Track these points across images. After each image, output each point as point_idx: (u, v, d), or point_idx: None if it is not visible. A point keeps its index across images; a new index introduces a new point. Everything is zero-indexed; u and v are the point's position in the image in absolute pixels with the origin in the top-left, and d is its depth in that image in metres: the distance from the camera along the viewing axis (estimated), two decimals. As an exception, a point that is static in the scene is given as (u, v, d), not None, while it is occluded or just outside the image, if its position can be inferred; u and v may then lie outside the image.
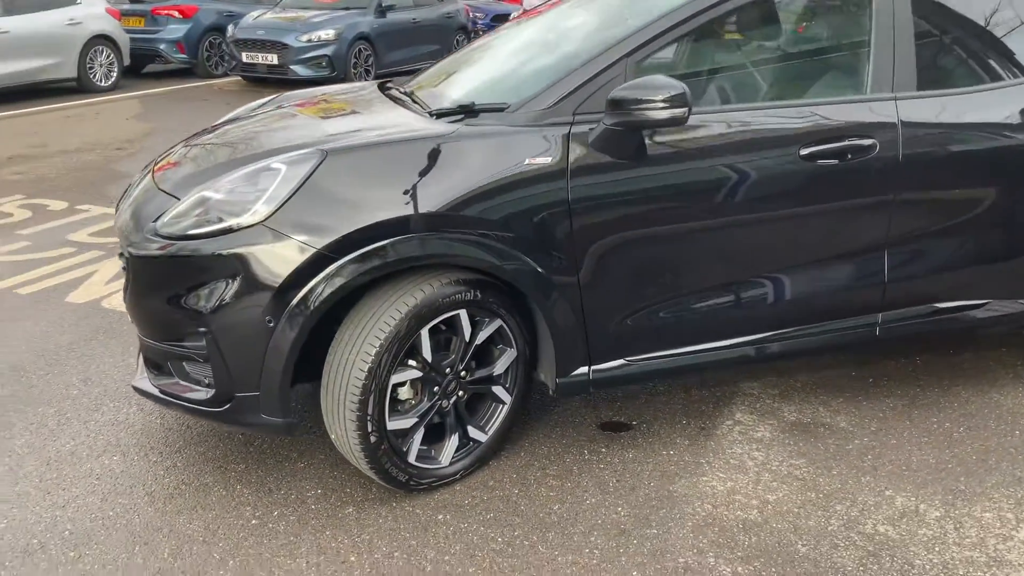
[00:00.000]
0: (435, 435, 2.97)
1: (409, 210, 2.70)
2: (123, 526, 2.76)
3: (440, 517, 2.81)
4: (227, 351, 2.72)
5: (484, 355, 3.02)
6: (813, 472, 3.04)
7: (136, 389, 3.03)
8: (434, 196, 2.73)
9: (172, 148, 3.51)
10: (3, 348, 4.08)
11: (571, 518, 2.79)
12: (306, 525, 2.77)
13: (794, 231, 3.13)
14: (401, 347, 2.70)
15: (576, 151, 2.83)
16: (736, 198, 3.01)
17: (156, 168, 3.23)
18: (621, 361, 3.08)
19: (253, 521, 2.79)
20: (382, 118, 3.27)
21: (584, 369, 3.03)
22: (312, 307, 2.63)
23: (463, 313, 2.83)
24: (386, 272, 2.70)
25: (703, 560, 2.59)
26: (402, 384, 2.84)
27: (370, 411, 2.69)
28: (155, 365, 2.97)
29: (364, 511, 2.83)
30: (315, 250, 2.62)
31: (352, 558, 2.61)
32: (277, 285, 2.63)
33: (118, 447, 3.22)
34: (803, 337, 3.25)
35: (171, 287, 2.77)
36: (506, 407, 3.07)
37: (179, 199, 2.84)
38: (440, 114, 3.07)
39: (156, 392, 2.94)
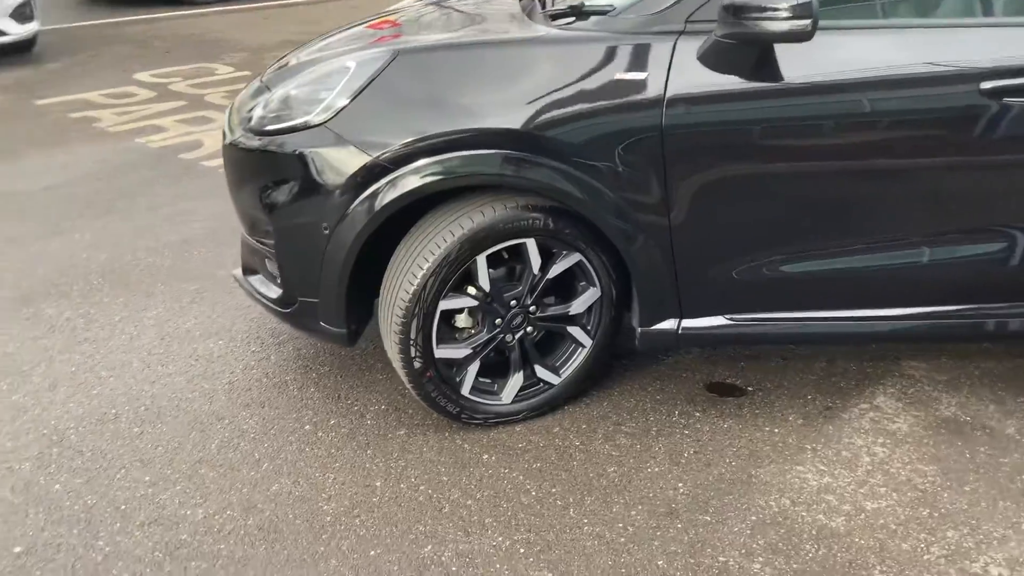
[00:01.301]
0: (504, 370, 2.75)
1: (474, 122, 2.44)
2: (192, 411, 2.85)
3: (485, 457, 2.62)
4: (288, 253, 2.67)
5: (566, 291, 2.73)
6: (939, 484, 2.47)
7: (234, 277, 3.10)
8: (506, 109, 2.44)
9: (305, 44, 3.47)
10: (192, 221, 4.38)
11: (620, 485, 2.48)
12: (353, 440, 2.70)
13: (962, 185, 2.48)
14: (452, 272, 2.49)
15: (679, 68, 2.40)
16: (883, 140, 2.43)
17: (274, 64, 3.21)
18: (721, 319, 2.65)
19: (307, 427, 2.77)
20: (485, 20, 2.99)
21: (672, 322, 2.65)
22: (366, 219, 2.49)
23: (531, 243, 2.55)
24: (444, 189, 2.48)
25: (746, 565, 2.20)
26: (459, 312, 2.64)
27: (412, 336, 2.52)
28: (247, 258, 3.00)
29: (413, 437, 2.71)
30: (371, 158, 2.46)
31: (378, 483, 2.51)
32: (333, 191, 2.51)
33: (229, 332, 3.34)
34: (964, 319, 2.62)
35: (252, 181, 2.75)
36: (585, 351, 2.77)
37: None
38: (555, 15, 2.74)
39: (245, 284, 2.98)
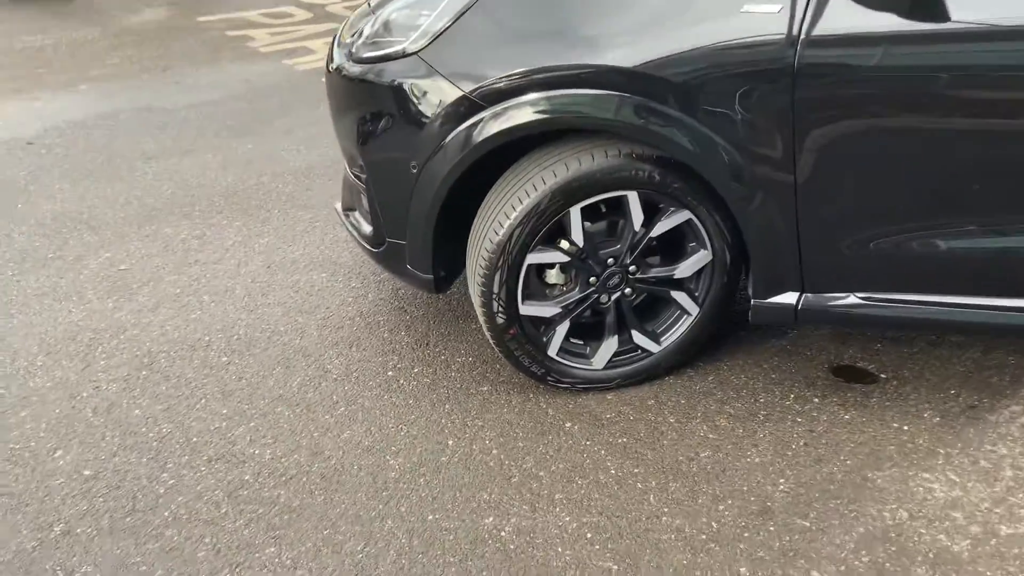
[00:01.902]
0: (598, 333, 2.52)
1: (575, 58, 2.18)
2: (281, 344, 2.80)
3: (568, 425, 2.42)
4: (378, 189, 2.53)
5: (673, 252, 2.46)
6: (1099, 517, 2.07)
7: (336, 211, 2.99)
8: (609, 45, 2.16)
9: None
10: (320, 147, 4.35)
11: (712, 473, 2.23)
12: (433, 392, 2.56)
13: None
14: (542, 223, 2.27)
15: (819, 1, 2.03)
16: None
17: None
18: (852, 298, 2.31)
19: (390, 372, 2.66)
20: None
21: (792, 296, 2.33)
22: (454, 161, 2.30)
23: (632, 196, 2.28)
24: (539, 131, 2.25)
25: (842, 585, 1.92)
26: (550, 267, 2.42)
27: (496, 289, 2.33)
28: (347, 193, 2.89)
29: (497, 394, 2.54)
30: (462, 94, 2.25)
31: (450, 442, 2.36)
32: (422, 128, 2.33)
33: (333, 265, 3.26)
34: None
35: (350, 111, 2.60)
36: (691, 320, 2.50)
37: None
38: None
39: (343, 219, 2.88)
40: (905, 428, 2.36)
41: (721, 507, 2.13)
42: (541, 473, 2.25)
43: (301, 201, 3.80)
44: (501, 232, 2.28)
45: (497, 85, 2.22)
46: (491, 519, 2.11)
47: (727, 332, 2.75)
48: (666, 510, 2.12)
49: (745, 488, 2.18)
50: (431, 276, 2.52)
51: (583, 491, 2.19)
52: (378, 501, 2.17)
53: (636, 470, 2.25)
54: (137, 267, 3.28)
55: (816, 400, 2.48)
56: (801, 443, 2.32)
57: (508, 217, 2.27)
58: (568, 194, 2.24)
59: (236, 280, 3.17)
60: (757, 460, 2.27)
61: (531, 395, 2.54)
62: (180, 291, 3.11)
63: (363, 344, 2.79)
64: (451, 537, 2.06)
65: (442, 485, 2.21)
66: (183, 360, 2.73)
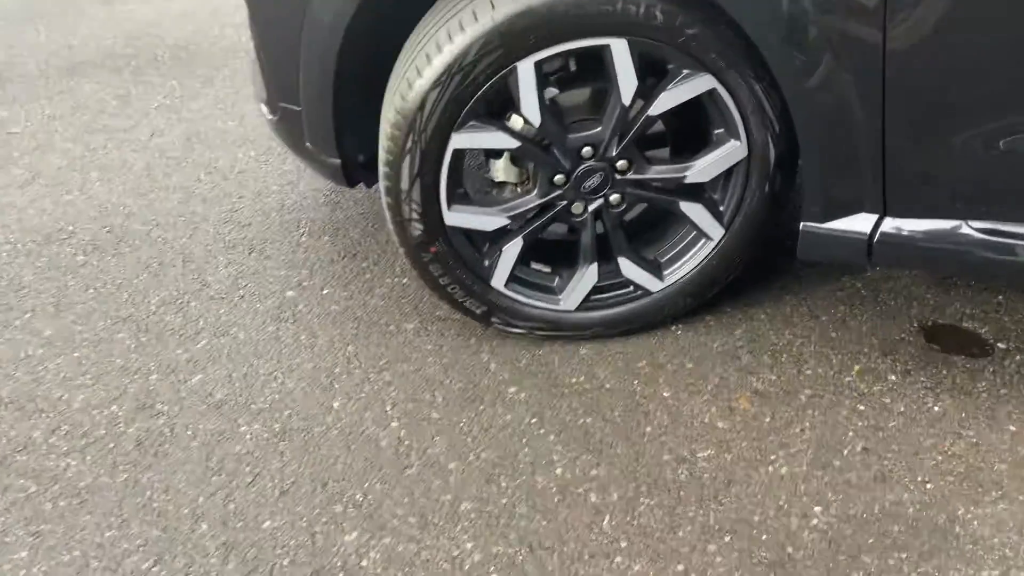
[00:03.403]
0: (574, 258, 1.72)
1: None
2: (161, 243, 2.09)
3: (511, 392, 1.65)
4: (256, 25, 1.74)
5: (690, 140, 1.61)
6: None
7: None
8: None
9: None
10: None
11: (711, 495, 1.44)
12: (338, 325, 1.83)
13: None
14: (471, 86, 1.45)
15: None
16: None
17: None
18: (966, 229, 1.44)
19: (289, 292, 1.92)
20: None
21: (867, 221, 1.48)
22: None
23: (620, 47, 1.44)
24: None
25: None
26: (495, 156, 1.61)
27: (404, 185, 1.54)
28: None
29: (425, 335, 1.79)
30: None
31: (336, 404, 1.63)
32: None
33: (271, 140, 2.50)
34: None
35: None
36: (712, 246, 1.67)
37: None
38: None
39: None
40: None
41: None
42: (451, 466, 1.50)
43: (262, 59, 3.02)
44: (409, 98, 1.46)
45: None
46: (354, 535, 1.38)
47: (767, 267, 1.91)
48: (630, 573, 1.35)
49: (759, 535, 1.38)
50: (338, 160, 1.74)
51: (502, 513, 1.43)
52: (202, 491, 1.46)
53: (593, 473, 1.47)
54: (30, 130, 2.60)
55: (893, 378, 1.64)
56: (858, 448, 1.50)
57: (420, 74, 1.45)
58: (512, 39, 1.41)
59: (140, 153, 2.46)
60: (784, 472, 1.46)
61: (473, 340, 1.77)
62: (67, 164, 2.42)
63: (268, 250, 2.05)
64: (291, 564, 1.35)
65: (300, 473, 1.49)
66: (26, 256, 2.05)
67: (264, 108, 1.88)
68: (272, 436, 1.56)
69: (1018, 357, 1.66)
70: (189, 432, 1.57)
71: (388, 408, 1.61)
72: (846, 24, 1.33)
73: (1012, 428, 1.52)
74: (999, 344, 1.70)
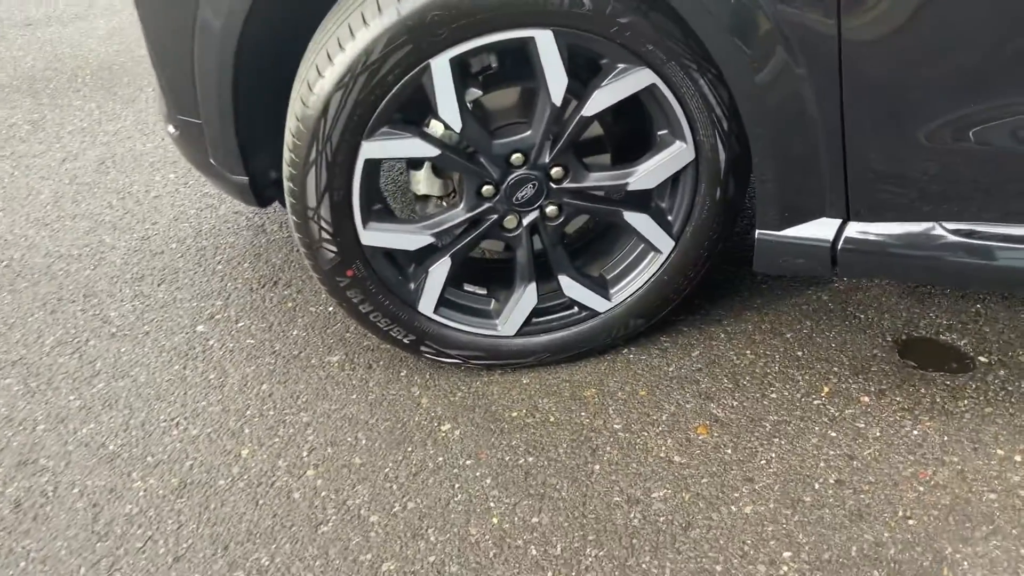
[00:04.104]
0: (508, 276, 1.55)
1: None
2: (63, 276, 1.89)
3: (445, 429, 1.47)
4: (148, 30, 1.56)
5: (633, 143, 1.46)
6: None
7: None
8: None
9: None
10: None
11: (666, 543, 1.26)
12: (253, 361, 1.64)
13: None
14: (381, 86, 1.28)
15: None
16: None
17: None
18: (939, 231, 1.29)
19: (200, 327, 1.74)
20: None
21: (829, 227, 1.32)
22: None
23: (545, 39, 1.27)
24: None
25: None
26: (414, 166, 1.44)
27: (311, 202, 1.36)
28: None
29: (351, 369, 1.61)
30: None
31: (245, 452, 1.44)
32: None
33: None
34: None
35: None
36: (662, 260, 1.50)
37: None
38: None
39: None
40: (1017, 460, 1.35)
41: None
42: (373, 519, 1.32)
43: (189, 78, 2.84)
44: (311, 102, 1.29)
45: None
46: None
47: (725, 279, 1.75)
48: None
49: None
50: (245, 178, 1.56)
51: (429, 573, 1.25)
52: (84, 559, 1.27)
53: (534, 521, 1.30)
54: (-70, 159, 2.40)
55: (867, 399, 1.48)
56: (831, 481, 1.34)
57: (321, 75, 1.28)
58: (422, 33, 1.24)
59: (49, 180, 2.26)
60: (749, 511, 1.29)
61: (403, 373, 1.59)
62: (-35, 193, 2.22)
63: (180, 280, 1.87)
64: None
65: (199, 535, 1.30)
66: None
67: (165, 122, 1.70)
68: (169, 492, 1.37)
69: (1001, 372, 1.51)
70: (75, 490, 1.38)
71: (304, 454, 1.43)
72: (799, 13, 1.17)
73: (1000, 452, 1.36)
74: (980, 358, 1.55)
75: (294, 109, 1.33)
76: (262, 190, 1.60)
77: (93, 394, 1.57)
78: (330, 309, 1.76)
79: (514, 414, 1.49)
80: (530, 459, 1.40)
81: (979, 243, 1.26)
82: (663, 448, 1.41)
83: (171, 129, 1.67)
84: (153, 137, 2.47)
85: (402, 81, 1.28)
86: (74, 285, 1.86)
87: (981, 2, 1.14)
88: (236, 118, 1.49)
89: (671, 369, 1.57)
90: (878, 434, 1.41)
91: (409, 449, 1.43)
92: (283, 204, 1.67)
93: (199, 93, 1.49)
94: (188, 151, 1.65)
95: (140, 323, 1.74)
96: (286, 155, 1.36)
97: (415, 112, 1.37)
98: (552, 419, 1.48)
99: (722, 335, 1.64)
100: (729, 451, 1.39)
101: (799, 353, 1.59)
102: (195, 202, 2.15)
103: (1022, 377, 1.49)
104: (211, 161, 1.58)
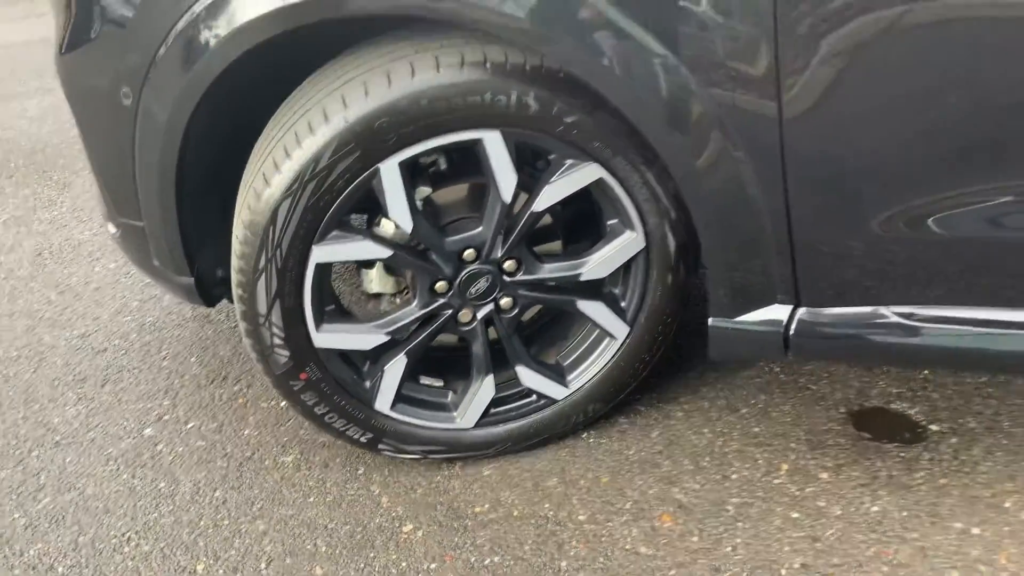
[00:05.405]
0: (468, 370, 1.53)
1: None
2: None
3: (407, 531, 1.44)
4: (86, 135, 1.53)
5: (586, 230, 1.47)
6: None
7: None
8: None
9: None
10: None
11: (637, 634, 1.25)
12: (204, 465, 1.60)
13: None
14: (330, 192, 1.27)
15: None
16: None
17: None
18: (888, 315, 1.31)
19: (147, 431, 1.69)
20: None
21: (780, 312, 1.33)
22: (185, 80, 1.29)
23: (493, 140, 1.28)
24: (330, 19, 1.24)
25: None
26: (366, 266, 1.43)
27: (262, 309, 1.34)
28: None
29: (307, 469, 1.57)
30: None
31: (200, 568, 1.39)
32: (126, 23, 1.32)
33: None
34: None
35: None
36: (617, 346, 1.50)
37: None
38: None
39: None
40: (975, 532, 1.37)
41: None
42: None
43: (127, 159, 2.80)
44: (259, 210, 1.28)
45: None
46: None
47: (681, 354, 1.76)
48: None
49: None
50: (190, 279, 1.53)
51: (404, 673, 1.21)
52: None
53: (504, 625, 1.27)
54: None
55: (825, 476, 1.49)
56: (796, 565, 1.34)
57: (268, 183, 1.27)
58: (371, 140, 1.24)
59: (-22, 276, 2.19)
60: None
61: (362, 470, 1.56)
62: None
63: (124, 380, 1.82)
64: None
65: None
66: None
67: (105, 220, 1.66)
68: None
69: (953, 439, 1.54)
70: None
71: (263, 566, 1.38)
72: (733, 96, 1.19)
73: (958, 525, 1.38)
74: (931, 426, 1.58)
75: (241, 216, 1.31)
76: (209, 290, 1.57)
77: (39, 511, 1.51)
78: (282, 404, 1.72)
79: (477, 509, 1.47)
80: (496, 559, 1.38)
81: (928, 326, 1.28)
82: (629, 539, 1.40)
83: (111, 229, 1.63)
84: (91, 224, 2.41)
85: (351, 186, 1.27)
86: (14, 391, 1.79)
87: (928, 90, 1.16)
88: (180, 218, 1.46)
89: (631, 452, 1.57)
90: (839, 512, 1.42)
91: (371, 555, 1.40)
92: (231, 301, 1.64)
93: (140, 193, 1.46)
94: (130, 252, 1.62)
95: (85, 429, 1.68)
96: (235, 262, 1.33)
97: (365, 210, 1.36)
98: (516, 513, 1.46)
99: (680, 414, 1.65)
100: (695, 539, 1.39)
101: (756, 429, 1.60)
102: (137, 293, 2.10)
103: (972, 445, 1.52)
104: (155, 263, 1.55)
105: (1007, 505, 1.40)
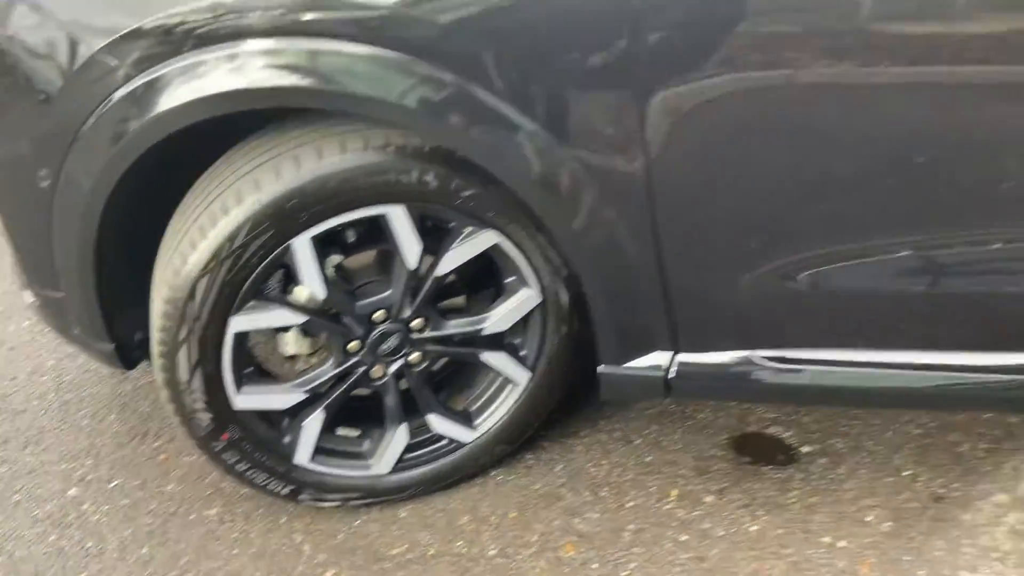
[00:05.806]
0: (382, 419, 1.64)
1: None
2: None
3: (330, 575, 1.53)
4: (7, 215, 1.58)
5: (488, 286, 1.59)
6: None
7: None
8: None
9: None
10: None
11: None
12: (130, 523, 1.67)
13: None
14: (244, 268, 1.37)
15: None
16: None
17: None
18: (758, 357, 1.47)
19: (71, 491, 1.74)
20: None
21: (661, 358, 1.49)
22: (104, 161, 1.37)
23: (398, 214, 1.40)
24: (234, 109, 1.33)
25: None
26: (282, 330, 1.52)
27: (183, 376, 1.42)
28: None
29: (230, 522, 1.66)
30: (103, 44, 1.32)
31: None
32: (43, 108, 1.39)
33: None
34: None
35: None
36: (520, 391, 1.63)
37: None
38: None
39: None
40: (840, 545, 1.55)
41: None
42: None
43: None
44: (178, 286, 1.36)
45: (152, 35, 1.29)
46: None
47: (580, 391, 1.90)
48: None
49: None
50: (110, 345, 1.59)
51: None
52: None
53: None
54: None
55: (710, 499, 1.65)
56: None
57: (186, 262, 1.35)
58: (283, 219, 1.34)
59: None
60: (618, 622, 1.42)
61: (284, 519, 1.65)
62: None
63: (45, 441, 1.86)
64: None
65: None
66: None
67: (21, 288, 1.71)
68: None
69: (822, 460, 1.72)
70: None
71: None
72: (598, 158, 1.30)
73: (826, 539, 1.55)
74: (803, 448, 1.75)
75: (161, 292, 1.39)
76: (129, 354, 1.63)
77: (-36, 578, 1.55)
78: (204, 458, 1.78)
79: (395, 551, 1.58)
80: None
81: (791, 367, 1.45)
82: (536, 570, 1.53)
83: (28, 298, 1.68)
84: (2, 282, 2.42)
85: (265, 261, 1.37)
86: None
87: (795, 151, 1.30)
88: (99, 288, 1.52)
89: (537, 487, 1.70)
90: (722, 533, 1.58)
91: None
92: (130, 367, 1.70)
93: (58, 262, 1.51)
94: (48, 321, 1.67)
95: (9, 492, 1.73)
96: (155, 334, 1.41)
97: (279, 279, 1.46)
98: (431, 552, 1.57)
99: (580, 447, 1.79)
100: (595, 566, 1.53)
101: (648, 459, 1.75)
102: (53, 351, 2.13)
103: (839, 464, 1.70)
104: (74, 332, 1.61)
105: (869, 519, 1.59)
